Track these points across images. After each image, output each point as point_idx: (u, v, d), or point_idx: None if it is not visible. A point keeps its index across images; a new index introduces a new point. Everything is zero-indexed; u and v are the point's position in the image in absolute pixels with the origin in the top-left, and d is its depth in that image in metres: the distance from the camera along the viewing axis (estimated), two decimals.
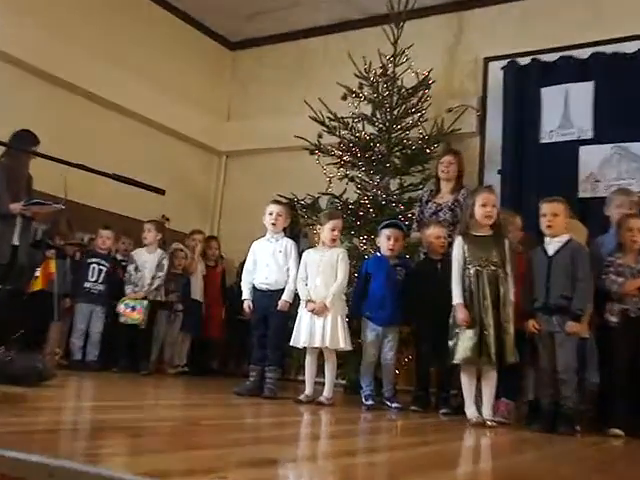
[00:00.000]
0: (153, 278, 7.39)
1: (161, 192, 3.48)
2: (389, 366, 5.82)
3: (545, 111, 7.88)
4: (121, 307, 7.19)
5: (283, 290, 5.87)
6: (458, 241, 5.13)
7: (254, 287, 5.98)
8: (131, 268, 7.50)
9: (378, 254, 5.93)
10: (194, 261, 8.07)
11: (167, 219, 8.15)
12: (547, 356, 4.96)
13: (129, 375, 7.01)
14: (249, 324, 6.20)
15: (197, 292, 8.10)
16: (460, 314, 4.95)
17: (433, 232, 5.91)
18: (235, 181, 10.06)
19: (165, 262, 7.52)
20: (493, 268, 5.02)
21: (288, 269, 5.89)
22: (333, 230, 5.63)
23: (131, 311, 7.14)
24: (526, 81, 8.06)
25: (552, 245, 5.06)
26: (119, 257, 7.78)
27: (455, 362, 4.99)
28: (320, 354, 5.67)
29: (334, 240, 5.66)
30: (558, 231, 5.05)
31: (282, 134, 8.91)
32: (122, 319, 7.19)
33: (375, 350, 5.76)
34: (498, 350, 4.90)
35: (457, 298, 5.00)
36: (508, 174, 7.94)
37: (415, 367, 6.04)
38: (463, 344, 4.94)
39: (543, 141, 7.86)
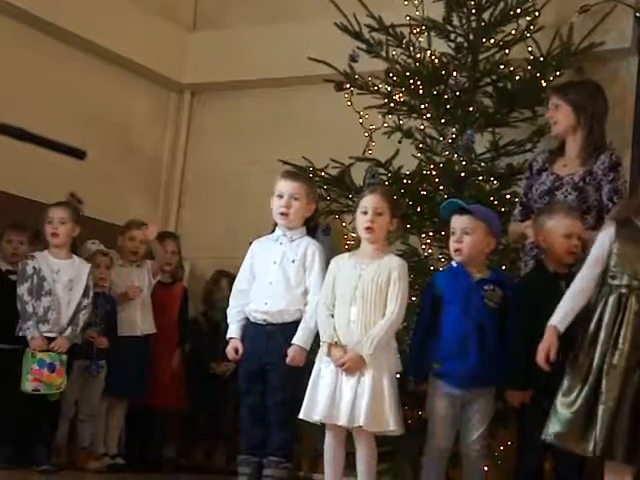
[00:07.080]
0: (79, 308, 6.09)
1: (78, 154, 2.75)
2: (475, 460, 4.89)
3: None
4: (34, 366, 5.87)
5: (295, 327, 5.03)
6: (608, 232, 4.32)
7: (247, 320, 5.17)
8: (24, 289, 5.99)
9: (454, 264, 5.04)
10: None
11: (79, 201, 6.80)
12: None
13: (17, 473, 5.84)
14: (233, 383, 5.77)
15: (135, 323, 6.81)
16: (545, 345, 4.19)
17: (561, 225, 4.98)
18: (206, 136, 8.61)
19: (90, 280, 6.23)
20: None
21: (307, 291, 5.09)
22: (365, 213, 4.85)
23: (49, 372, 5.90)
24: None
25: None
26: (3, 267, 6.31)
27: (548, 441, 4.23)
28: (350, 437, 4.87)
29: (370, 230, 4.87)
30: None
31: (286, 55, 7.64)
32: (30, 386, 5.77)
33: (449, 431, 4.87)
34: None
35: (554, 318, 4.26)
36: None
37: (518, 461, 5.05)
38: (560, 411, 4.12)
39: None
